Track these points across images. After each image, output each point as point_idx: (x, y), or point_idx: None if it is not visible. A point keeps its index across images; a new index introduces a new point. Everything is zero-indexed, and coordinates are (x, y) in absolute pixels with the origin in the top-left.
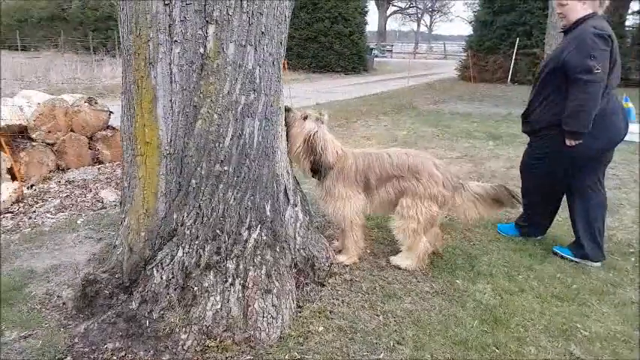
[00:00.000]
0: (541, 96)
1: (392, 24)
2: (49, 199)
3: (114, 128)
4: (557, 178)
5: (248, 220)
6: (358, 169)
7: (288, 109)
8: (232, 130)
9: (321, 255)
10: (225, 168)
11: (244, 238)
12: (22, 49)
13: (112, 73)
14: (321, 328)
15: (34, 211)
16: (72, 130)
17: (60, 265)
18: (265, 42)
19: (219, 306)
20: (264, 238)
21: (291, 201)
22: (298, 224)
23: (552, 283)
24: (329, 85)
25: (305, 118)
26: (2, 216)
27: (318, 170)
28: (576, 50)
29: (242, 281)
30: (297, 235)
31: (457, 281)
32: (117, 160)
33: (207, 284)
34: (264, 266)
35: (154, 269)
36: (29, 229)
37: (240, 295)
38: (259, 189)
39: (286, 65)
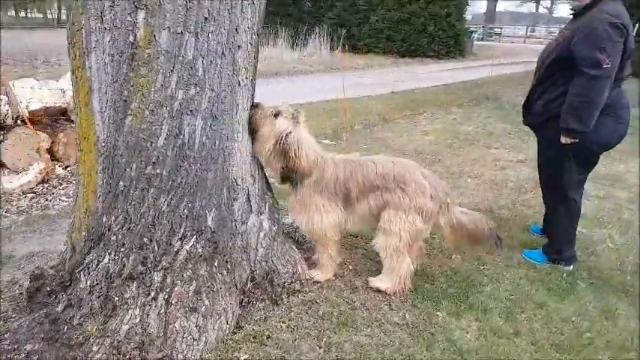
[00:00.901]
0: (543, 85)
1: (508, 5)
2: (74, 182)
3: None
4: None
5: (182, 229)
6: (339, 178)
7: (256, 105)
8: (167, 129)
9: (285, 270)
10: (158, 171)
11: (175, 249)
12: None
13: None
14: (244, 357)
15: (54, 193)
16: None
17: (39, 253)
18: (210, 29)
19: (137, 320)
20: (200, 250)
21: (255, 209)
22: (262, 234)
23: (561, 328)
24: (416, 71)
25: (276, 115)
26: (24, 196)
27: (289, 177)
28: (585, 40)
29: (166, 296)
30: (259, 246)
31: (438, 313)
32: None
33: (128, 295)
34: (194, 281)
35: (81, 273)
36: (39, 211)
37: (163, 310)
38: (200, 196)
39: (346, 49)
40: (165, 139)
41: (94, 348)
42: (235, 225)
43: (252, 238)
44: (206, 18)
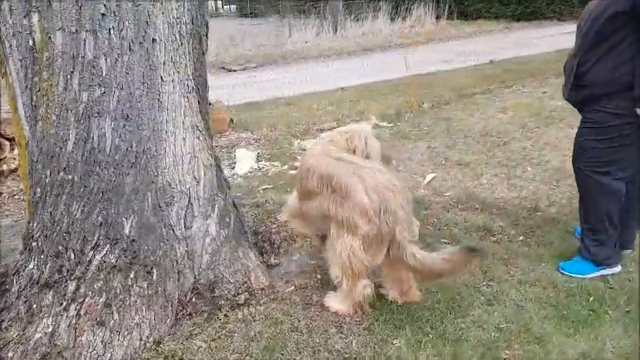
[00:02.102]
0: (595, 52)
1: None
2: None
3: (210, 103)
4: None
5: (95, 237)
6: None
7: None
8: (75, 133)
9: (234, 279)
10: (70, 177)
11: (88, 259)
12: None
13: (302, 37)
14: None
15: None
16: None
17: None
18: (110, 25)
19: (49, 330)
20: (113, 260)
21: (199, 212)
22: (208, 240)
23: None
24: (529, 35)
25: None
26: None
27: None
28: None
29: (78, 307)
30: (204, 253)
31: (395, 342)
32: (212, 133)
33: (44, 303)
34: (104, 294)
35: (14, 277)
36: None
37: (73, 322)
38: (116, 202)
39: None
40: (74, 143)
41: (9, 354)
42: (172, 231)
43: (198, 244)
44: (103, 14)
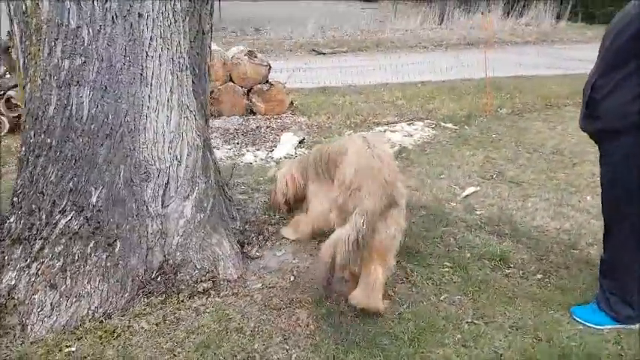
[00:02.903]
0: (614, 75)
1: None
2: None
3: (271, 83)
4: None
5: (63, 202)
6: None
7: None
8: (56, 99)
9: (200, 265)
10: (49, 140)
11: (54, 222)
12: None
13: (405, 25)
14: (71, 349)
15: None
16: (231, 80)
17: None
18: None
19: (12, 282)
20: (76, 227)
21: (178, 193)
22: (182, 221)
23: None
24: None
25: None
26: None
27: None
28: None
29: (39, 266)
30: (176, 234)
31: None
32: (269, 114)
33: (13, 257)
34: (62, 258)
35: (1, 228)
36: None
37: (32, 279)
38: (87, 171)
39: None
40: (55, 108)
41: None
42: (145, 207)
43: (172, 224)
44: None
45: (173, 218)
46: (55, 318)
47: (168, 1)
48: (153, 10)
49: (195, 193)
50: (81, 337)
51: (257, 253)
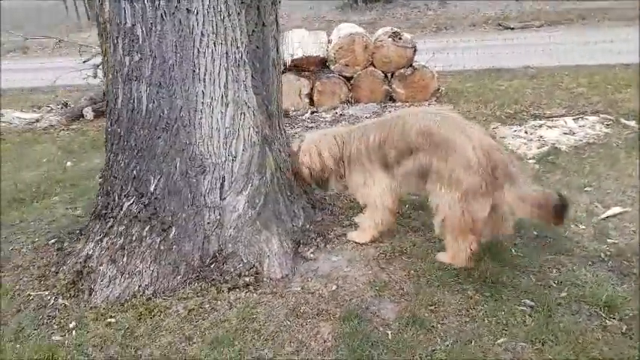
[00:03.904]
0: None
1: None
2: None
3: (414, 67)
4: None
5: (128, 187)
6: (369, 144)
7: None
8: (122, 93)
9: (246, 259)
10: (118, 130)
11: (121, 204)
12: None
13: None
14: (110, 320)
15: None
16: (372, 65)
17: None
18: None
19: (90, 253)
20: (136, 211)
21: (232, 187)
22: (235, 215)
23: None
24: None
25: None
26: None
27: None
28: None
29: (108, 241)
30: (229, 227)
31: None
32: (410, 101)
33: (94, 230)
34: (122, 237)
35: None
36: None
37: (103, 252)
38: (148, 161)
39: None
40: (122, 101)
41: (67, 260)
42: (203, 198)
43: (227, 217)
44: None
45: (229, 211)
46: (111, 289)
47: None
48: (202, 5)
49: (248, 189)
50: (125, 311)
51: (312, 255)
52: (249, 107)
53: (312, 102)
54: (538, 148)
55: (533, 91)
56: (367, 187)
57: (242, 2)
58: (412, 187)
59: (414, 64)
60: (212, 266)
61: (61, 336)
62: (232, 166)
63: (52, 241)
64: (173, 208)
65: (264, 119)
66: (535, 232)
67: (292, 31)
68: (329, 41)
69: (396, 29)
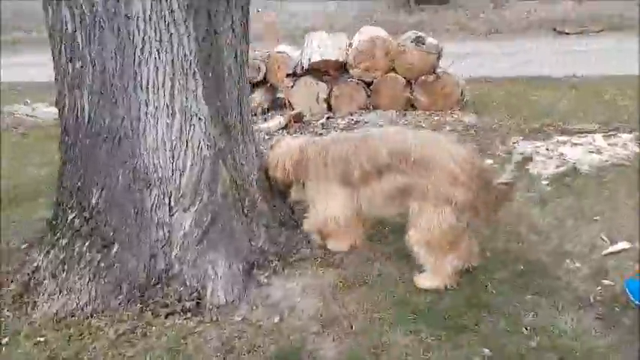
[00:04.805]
0: None
1: None
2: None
3: (437, 74)
4: None
5: (73, 199)
6: (334, 160)
7: None
8: (67, 100)
9: (190, 282)
10: (66, 138)
11: (66, 216)
12: None
13: None
14: (37, 339)
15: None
16: (394, 70)
17: None
18: (81, 0)
19: (37, 265)
20: (78, 225)
21: (175, 203)
22: (181, 233)
23: None
24: None
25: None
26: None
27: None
28: None
29: (54, 254)
30: (176, 246)
31: None
32: (431, 109)
33: (45, 240)
34: (65, 251)
35: None
36: None
37: (47, 265)
38: (91, 172)
39: None
40: (68, 110)
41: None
42: (148, 214)
43: (175, 235)
44: None
45: (176, 229)
46: (49, 305)
47: (164, 0)
48: (144, 10)
49: (197, 206)
50: (58, 330)
51: (265, 280)
52: (199, 118)
53: (329, 107)
54: (556, 167)
55: (570, 102)
56: (321, 201)
57: (189, 7)
58: (383, 209)
59: (437, 70)
60: (157, 287)
61: None
62: (180, 181)
63: (24, 245)
64: (115, 223)
65: (218, 131)
66: (522, 267)
67: (312, 34)
68: (350, 45)
69: (420, 34)
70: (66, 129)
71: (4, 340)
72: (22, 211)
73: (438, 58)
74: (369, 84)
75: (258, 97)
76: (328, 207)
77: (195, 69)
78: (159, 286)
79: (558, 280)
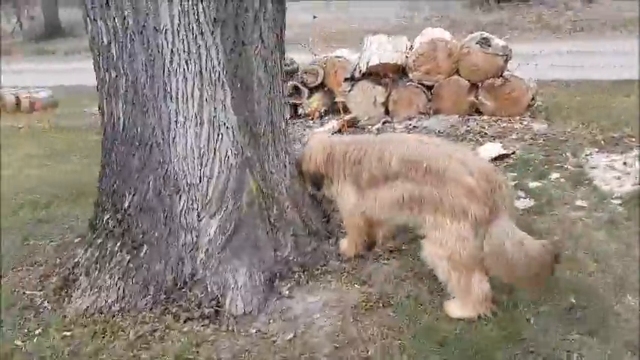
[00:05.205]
0: None
1: None
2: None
3: (505, 78)
4: None
5: (109, 201)
6: (346, 161)
7: None
8: (107, 108)
9: (211, 289)
10: (105, 143)
11: (102, 217)
12: None
13: None
14: (64, 333)
15: None
16: (457, 73)
17: None
18: (113, 14)
19: (79, 260)
20: (111, 227)
21: (202, 209)
22: (206, 239)
23: None
24: None
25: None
26: None
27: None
28: None
29: (91, 252)
30: (201, 252)
31: None
32: (498, 115)
33: (86, 238)
34: (98, 250)
35: None
36: None
37: (84, 262)
38: (125, 177)
39: None
40: (106, 116)
41: (66, 264)
42: (178, 219)
43: (202, 240)
44: (107, 2)
45: (203, 234)
46: (81, 301)
47: (192, 12)
48: (172, 23)
49: (222, 214)
50: (85, 325)
51: (287, 292)
52: (227, 128)
53: (387, 111)
54: (633, 185)
55: None
56: (340, 199)
57: (215, 20)
58: (390, 215)
59: (505, 73)
60: (182, 290)
61: (22, 341)
62: (207, 188)
63: (77, 240)
64: (145, 226)
65: (246, 141)
66: (573, 300)
67: (371, 37)
68: (411, 47)
69: (486, 35)
70: (105, 135)
71: (38, 331)
72: (83, 207)
73: (506, 60)
74: (430, 88)
75: (316, 101)
76: (343, 205)
77: (224, 79)
78: (184, 290)
79: (616, 316)
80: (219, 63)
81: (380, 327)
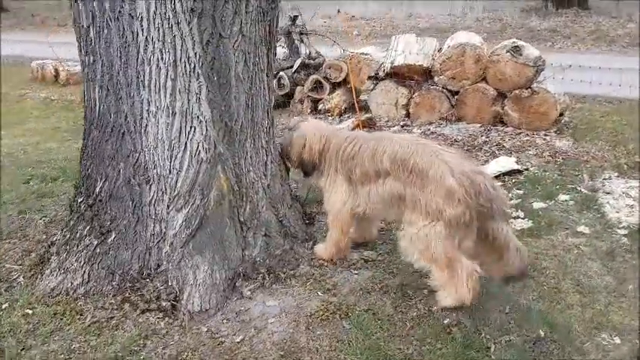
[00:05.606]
0: None
1: None
2: None
3: (533, 90)
4: None
5: (84, 185)
6: (339, 156)
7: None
8: (86, 92)
9: (170, 283)
10: (84, 127)
11: (77, 199)
12: None
13: None
14: (27, 311)
15: None
16: (484, 81)
17: None
18: None
19: (55, 239)
20: (83, 210)
21: (170, 202)
22: (171, 232)
23: None
24: None
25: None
26: None
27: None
28: None
29: (64, 232)
30: (167, 244)
31: None
32: (523, 128)
33: (66, 218)
34: (70, 232)
35: None
36: None
37: (58, 242)
38: (98, 162)
39: None
40: (86, 101)
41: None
42: (147, 208)
43: (170, 232)
44: None
45: (170, 226)
46: (49, 281)
47: (168, 1)
48: (148, 10)
49: (189, 208)
50: (48, 305)
51: (249, 293)
52: (200, 121)
53: (408, 115)
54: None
55: None
56: (329, 192)
57: (193, 10)
58: (380, 213)
59: (533, 85)
60: (146, 280)
61: None
62: (176, 180)
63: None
64: (114, 213)
65: (220, 136)
66: (542, 333)
67: (399, 37)
68: (439, 49)
69: (518, 42)
70: (85, 118)
71: (4, 306)
72: None
73: (537, 71)
74: (454, 93)
75: (337, 97)
76: (331, 199)
77: (199, 71)
78: (148, 280)
79: (584, 356)
80: (195, 54)
81: (330, 339)
